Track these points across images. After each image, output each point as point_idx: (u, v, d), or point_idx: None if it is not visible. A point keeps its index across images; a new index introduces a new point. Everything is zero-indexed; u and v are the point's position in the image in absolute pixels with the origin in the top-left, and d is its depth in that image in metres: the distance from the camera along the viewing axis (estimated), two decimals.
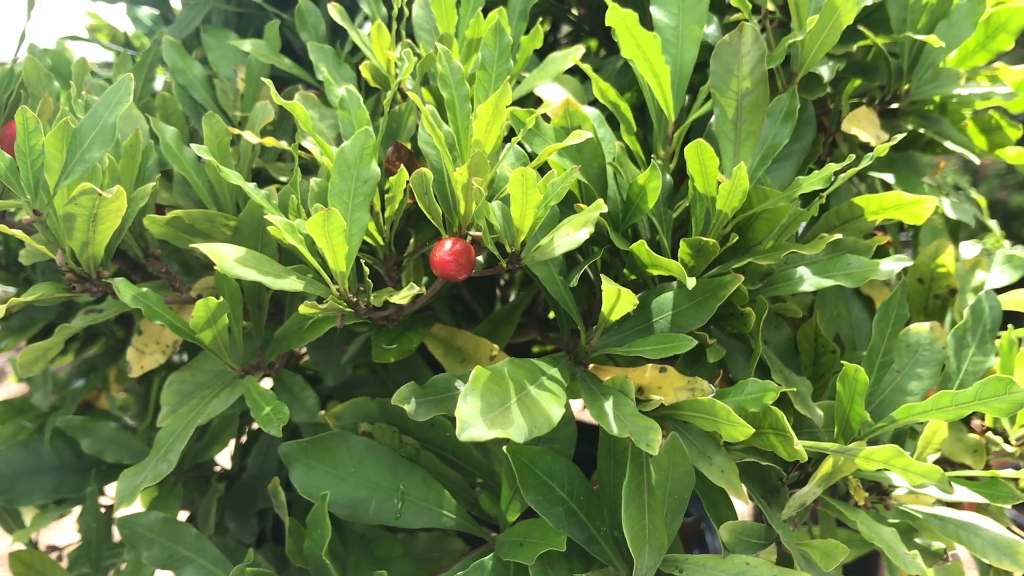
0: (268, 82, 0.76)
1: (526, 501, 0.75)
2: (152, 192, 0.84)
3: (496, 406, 0.62)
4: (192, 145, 0.70)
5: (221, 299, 0.74)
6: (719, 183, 0.75)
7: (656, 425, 0.69)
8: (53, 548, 1.36)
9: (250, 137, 0.81)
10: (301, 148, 0.79)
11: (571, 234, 0.70)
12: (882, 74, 1.00)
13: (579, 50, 0.87)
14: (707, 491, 0.84)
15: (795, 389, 0.79)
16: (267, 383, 1.38)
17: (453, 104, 0.70)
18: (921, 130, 1.10)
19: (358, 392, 1.32)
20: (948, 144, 1.08)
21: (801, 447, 0.70)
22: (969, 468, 0.98)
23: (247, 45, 0.93)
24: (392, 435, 0.90)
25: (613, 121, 0.88)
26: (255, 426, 1.48)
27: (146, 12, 1.36)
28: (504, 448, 0.76)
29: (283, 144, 0.82)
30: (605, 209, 0.63)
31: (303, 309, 0.66)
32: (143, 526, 0.92)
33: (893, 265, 0.79)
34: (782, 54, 0.79)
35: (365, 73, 0.83)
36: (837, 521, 1.00)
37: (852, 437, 0.81)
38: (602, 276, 0.67)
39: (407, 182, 0.72)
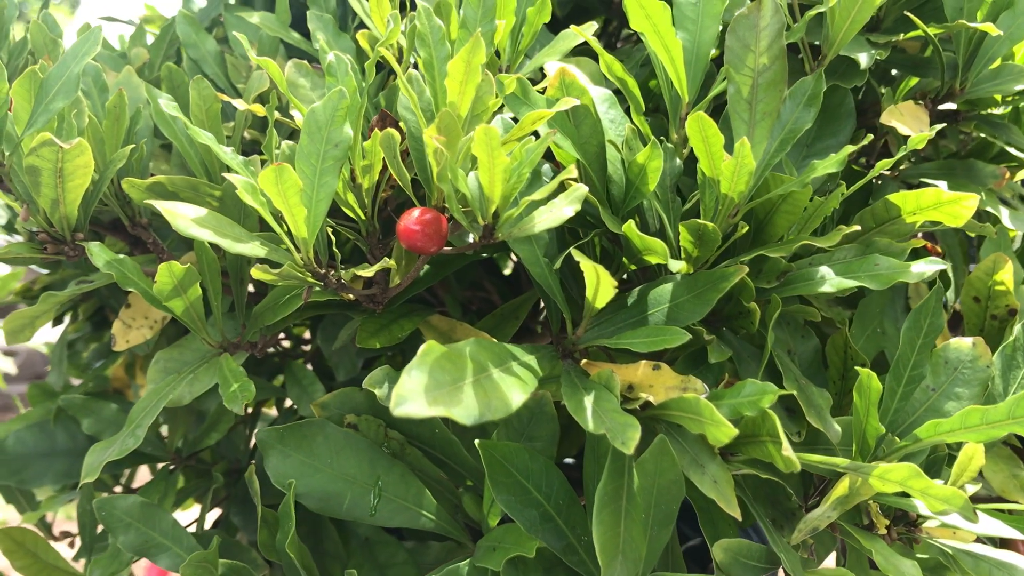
0: (267, 62, 0.74)
1: (496, 501, 0.70)
2: (141, 158, 0.83)
3: (445, 384, 0.58)
4: (161, 99, 0.68)
5: (188, 265, 0.72)
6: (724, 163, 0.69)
7: (635, 423, 0.63)
8: (67, 534, 1.36)
9: (238, 104, 0.79)
10: (289, 117, 0.77)
11: (555, 210, 0.65)
12: (934, 69, 0.92)
13: (591, 26, 0.82)
14: (705, 505, 0.78)
15: (794, 392, 0.72)
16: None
17: (431, 65, 0.67)
18: (983, 135, 1.01)
19: None
20: (1013, 151, 0.99)
21: (792, 454, 0.63)
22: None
23: (255, 17, 0.92)
24: (377, 428, 0.86)
25: (626, 103, 0.83)
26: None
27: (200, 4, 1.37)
28: (476, 442, 0.71)
29: (279, 115, 0.80)
30: (579, 186, 0.58)
31: (254, 272, 0.63)
32: (121, 509, 0.90)
33: (925, 267, 0.72)
34: (803, 27, 0.73)
35: (363, 42, 0.80)
36: (871, 561, 0.91)
37: (869, 455, 0.73)
38: (574, 251, 0.62)
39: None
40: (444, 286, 1.07)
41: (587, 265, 0.62)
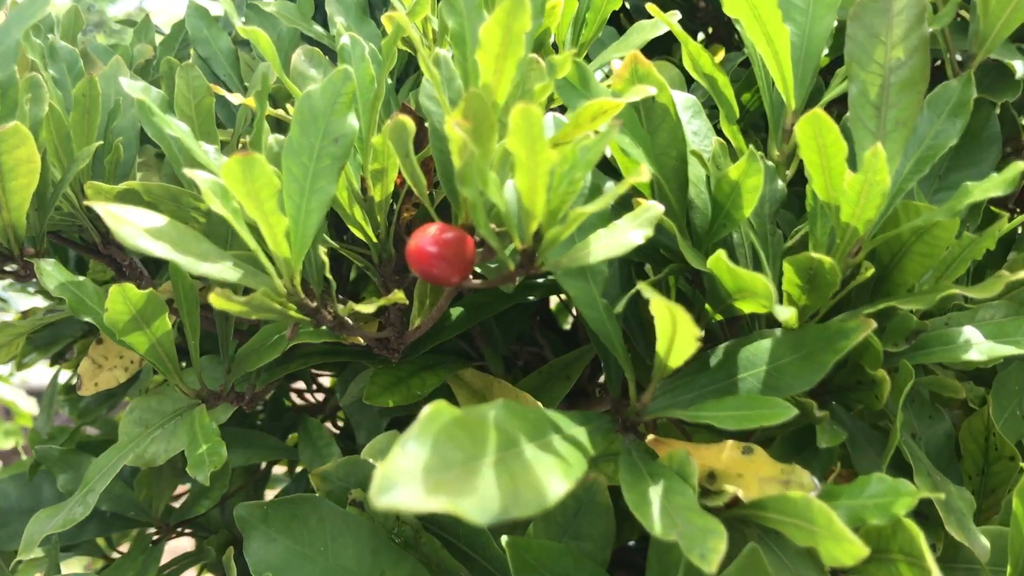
0: (255, 32, 0.60)
1: None
2: (117, 161, 0.69)
3: (454, 463, 0.41)
4: (124, 80, 0.54)
5: (148, 291, 0.57)
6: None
7: (719, 528, 0.46)
8: None
9: (233, 98, 0.65)
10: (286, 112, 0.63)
11: (618, 235, 0.50)
12: None
13: (675, 14, 0.66)
14: None
15: (943, 497, 0.54)
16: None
17: (462, 38, 0.52)
18: None
19: None
20: None
21: None
22: None
23: (272, 6, 0.78)
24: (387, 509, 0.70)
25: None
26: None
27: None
28: (504, 539, 0.55)
29: (279, 112, 0.66)
30: (645, 177, 0.42)
31: (213, 299, 0.48)
32: None
33: None
34: (952, 9, 0.57)
35: (387, 25, 0.66)
36: None
37: None
38: (643, 288, 0.46)
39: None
40: (484, 335, 0.91)
41: (660, 305, 0.46)
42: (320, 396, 1.45)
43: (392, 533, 0.69)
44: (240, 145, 0.71)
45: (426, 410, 0.42)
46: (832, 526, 0.45)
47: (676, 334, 0.48)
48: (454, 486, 0.40)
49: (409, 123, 0.49)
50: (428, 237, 0.50)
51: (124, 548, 1.37)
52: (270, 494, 1.23)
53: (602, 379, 1.06)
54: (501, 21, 0.46)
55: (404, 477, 0.39)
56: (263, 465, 1.20)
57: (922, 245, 0.59)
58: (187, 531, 1.02)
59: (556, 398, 0.77)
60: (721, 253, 0.51)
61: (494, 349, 0.89)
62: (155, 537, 0.94)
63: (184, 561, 0.98)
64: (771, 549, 0.55)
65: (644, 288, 0.45)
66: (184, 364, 0.73)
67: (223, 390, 0.69)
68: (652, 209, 0.50)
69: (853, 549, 0.44)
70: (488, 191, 0.47)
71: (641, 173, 0.42)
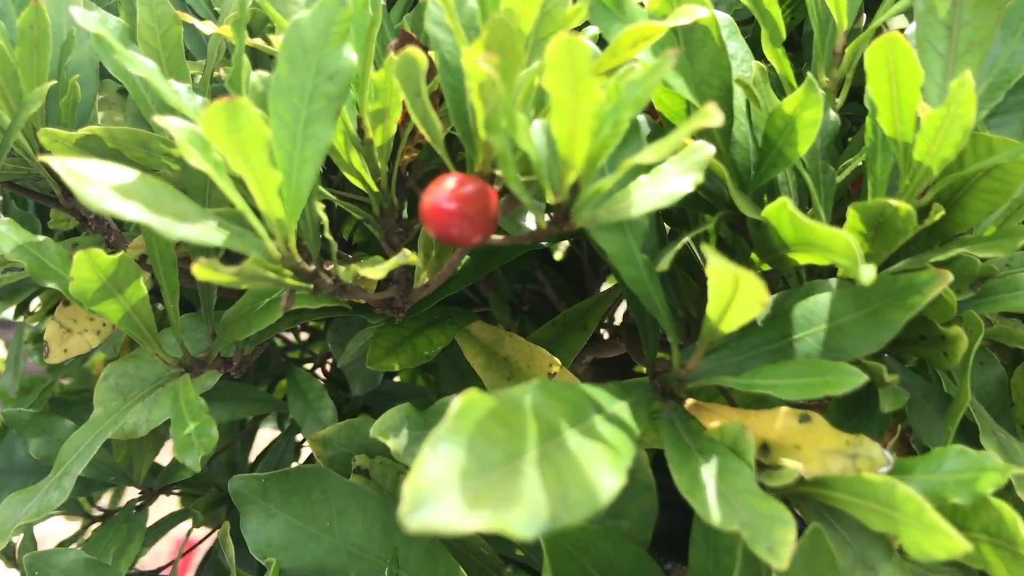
0: None
1: None
2: (75, 102, 0.61)
3: (494, 464, 0.35)
4: (77, 12, 0.46)
5: (119, 255, 0.50)
6: (918, 117, 0.46)
7: (787, 515, 0.41)
8: None
9: (204, 27, 0.57)
10: (266, 41, 0.55)
11: (664, 182, 0.43)
12: None
13: None
14: None
15: (994, 453, 0.49)
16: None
17: None
18: None
19: (396, 405, 1.07)
20: None
21: None
22: None
23: None
24: (396, 477, 0.65)
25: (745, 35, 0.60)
26: (264, 433, 1.26)
27: None
28: None
29: (258, 42, 0.58)
30: (717, 121, 0.35)
31: (196, 270, 0.41)
32: (59, 569, 0.69)
33: None
34: None
35: None
36: None
37: None
38: (705, 249, 0.39)
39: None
40: (487, 279, 0.85)
41: (722, 269, 0.39)
42: (305, 335, 1.39)
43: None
44: (214, 81, 0.63)
45: (457, 403, 0.36)
46: (923, 516, 0.40)
47: (737, 298, 0.42)
48: (496, 494, 0.34)
49: (421, 57, 0.42)
50: (445, 193, 0.43)
51: (104, 502, 1.32)
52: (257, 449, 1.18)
53: (612, 320, 1.00)
54: None
55: (440, 488, 0.33)
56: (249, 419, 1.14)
57: (990, 181, 0.53)
58: (173, 491, 0.96)
59: (573, 350, 0.71)
60: (785, 202, 0.44)
61: (498, 292, 0.83)
62: (139, 503, 0.88)
63: (171, 522, 0.92)
64: (829, 524, 0.50)
65: (708, 250, 0.38)
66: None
67: (208, 356, 0.62)
68: (701, 151, 0.44)
69: (949, 543, 0.39)
70: (517, 137, 0.40)
71: (711, 116, 0.35)
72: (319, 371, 1.24)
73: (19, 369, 1.01)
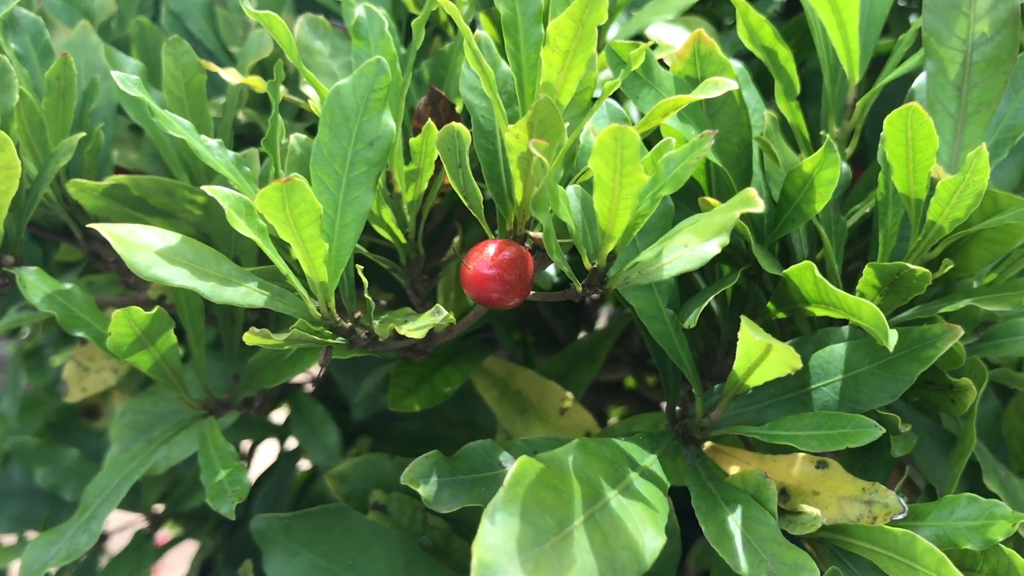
0: (270, 16, 0.52)
1: None
2: (97, 149, 0.62)
3: (549, 532, 0.38)
4: (118, 75, 0.47)
5: (156, 310, 0.52)
6: (934, 179, 0.49)
7: (812, 565, 0.44)
8: None
9: (229, 76, 0.59)
10: (298, 95, 0.57)
11: (693, 246, 0.45)
12: None
13: None
14: None
15: (996, 490, 0.53)
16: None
17: (515, 26, 0.46)
18: None
19: (397, 427, 1.08)
20: None
21: None
22: None
23: None
24: (413, 513, 0.67)
25: (761, 83, 0.62)
26: (264, 455, 1.27)
27: None
28: None
29: (285, 93, 0.59)
30: (759, 207, 0.38)
31: (248, 338, 0.43)
32: None
33: None
34: None
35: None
36: None
37: None
38: (744, 321, 0.42)
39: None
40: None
41: (753, 342, 0.42)
42: None
43: (421, 539, 0.66)
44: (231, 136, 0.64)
45: (512, 471, 0.38)
46: (943, 569, 0.43)
47: (767, 360, 0.45)
48: (552, 563, 0.37)
49: (464, 132, 0.44)
50: (487, 260, 0.45)
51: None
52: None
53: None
54: (575, 15, 0.41)
55: (501, 559, 0.36)
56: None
57: (995, 232, 0.56)
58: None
59: (583, 383, 0.74)
60: (811, 266, 0.47)
61: (504, 324, 0.85)
62: (147, 533, 0.89)
63: (171, 546, 0.94)
64: (846, 566, 0.52)
65: (746, 323, 0.41)
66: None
67: (231, 398, 0.64)
68: (731, 212, 0.46)
69: None
70: (559, 210, 0.42)
71: (754, 202, 0.37)
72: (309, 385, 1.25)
73: (17, 394, 1.02)
